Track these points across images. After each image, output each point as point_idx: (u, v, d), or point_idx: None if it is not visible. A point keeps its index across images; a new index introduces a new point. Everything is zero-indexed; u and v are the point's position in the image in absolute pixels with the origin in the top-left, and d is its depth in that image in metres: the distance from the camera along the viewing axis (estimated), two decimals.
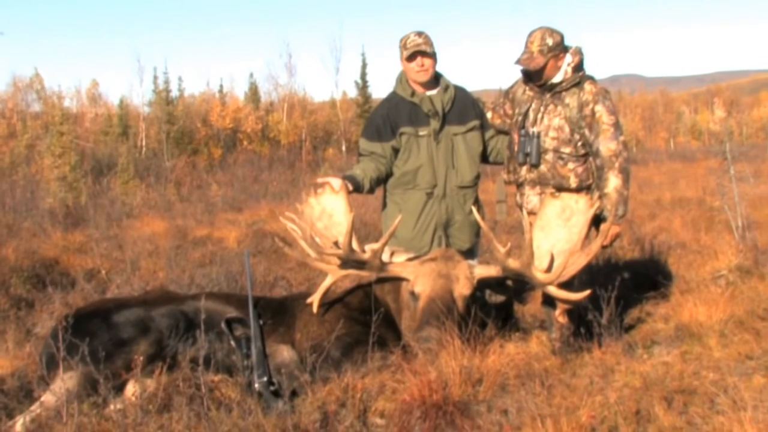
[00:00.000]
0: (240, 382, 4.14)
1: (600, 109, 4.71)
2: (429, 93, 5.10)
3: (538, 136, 4.81)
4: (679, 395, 3.60)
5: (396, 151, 5.08)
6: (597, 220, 4.63)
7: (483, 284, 4.63)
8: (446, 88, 5.13)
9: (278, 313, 4.61)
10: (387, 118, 5.09)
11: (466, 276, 4.47)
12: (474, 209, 4.93)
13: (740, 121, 60.10)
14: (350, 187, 4.84)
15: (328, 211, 4.72)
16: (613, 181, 4.67)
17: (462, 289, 4.43)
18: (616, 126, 4.73)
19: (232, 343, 4.28)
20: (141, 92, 32.30)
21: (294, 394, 4.06)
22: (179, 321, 4.36)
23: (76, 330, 3.96)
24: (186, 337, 4.31)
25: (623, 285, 4.84)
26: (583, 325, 4.69)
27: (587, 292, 4.33)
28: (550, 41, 4.71)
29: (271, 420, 3.57)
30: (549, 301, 4.79)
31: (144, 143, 28.57)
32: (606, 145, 4.68)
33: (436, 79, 5.13)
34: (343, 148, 31.70)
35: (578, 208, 4.44)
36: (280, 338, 4.44)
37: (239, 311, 4.41)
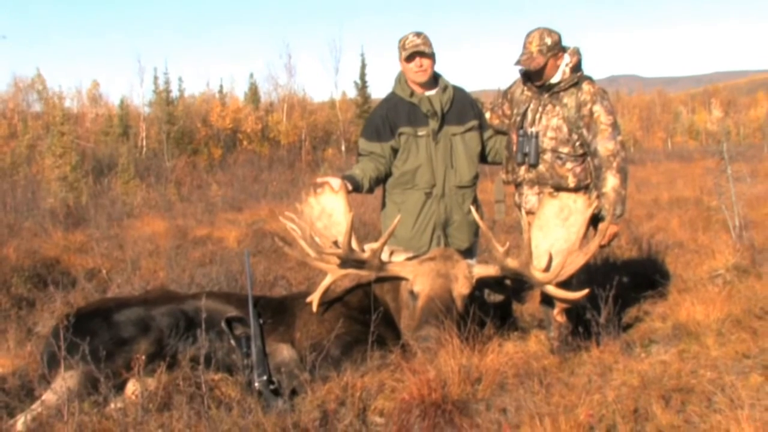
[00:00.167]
0: (240, 380, 4.14)
1: (598, 109, 4.71)
2: (428, 93, 5.10)
3: (537, 136, 4.81)
4: (677, 394, 3.61)
5: (395, 151, 5.08)
6: (595, 220, 4.63)
7: (482, 283, 4.64)
8: (445, 88, 5.13)
9: (278, 312, 4.61)
10: (386, 119, 5.09)
11: (464, 275, 4.47)
12: (473, 209, 4.93)
13: (737, 121, 60.17)
14: (349, 187, 4.84)
15: (327, 211, 4.72)
16: (611, 181, 4.67)
17: (461, 289, 4.43)
18: (614, 126, 4.73)
19: (232, 342, 4.28)
20: (141, 92, 32.36)
21: (294, 392, 4.06)
22: (179, 320, 4.36)
23: (77, 329, 3.96)
24: (186, 336, 4.32)
25: (621, 284, 4.83)
26: (581, 324, 4.69)
27: (585, 291, 4.33)
28: (548, 41, 4.72)
29: (271, 418, 3.57)
30: (547, 300, 4.79)
31: (144, 143, 28.57)
32: (604, 145, 4.68)
33: (434, 80, 5.13)
34: (343, 148, 31.69)
35: (576, 207, 4.44)
36: (280, 337, 4.44)
37: (239, 310, 4.41)
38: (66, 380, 3.88)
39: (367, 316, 4.35)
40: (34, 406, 3.85)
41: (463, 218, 5.12)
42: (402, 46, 5.04)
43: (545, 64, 4.74)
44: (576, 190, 4.74)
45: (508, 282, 4.71)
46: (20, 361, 4.77)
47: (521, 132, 4.87)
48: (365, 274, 4.60)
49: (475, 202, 5.19)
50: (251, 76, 43.55)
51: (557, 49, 4.75)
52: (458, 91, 5.21)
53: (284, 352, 4.35)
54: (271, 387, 4.04)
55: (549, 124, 4.81)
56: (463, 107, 5.16)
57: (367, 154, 5.12)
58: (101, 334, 4.16)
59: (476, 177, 5.21)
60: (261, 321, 4.35)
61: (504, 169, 5.11)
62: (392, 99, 5.18)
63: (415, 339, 4.24)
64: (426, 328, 4.22)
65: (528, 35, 4.79)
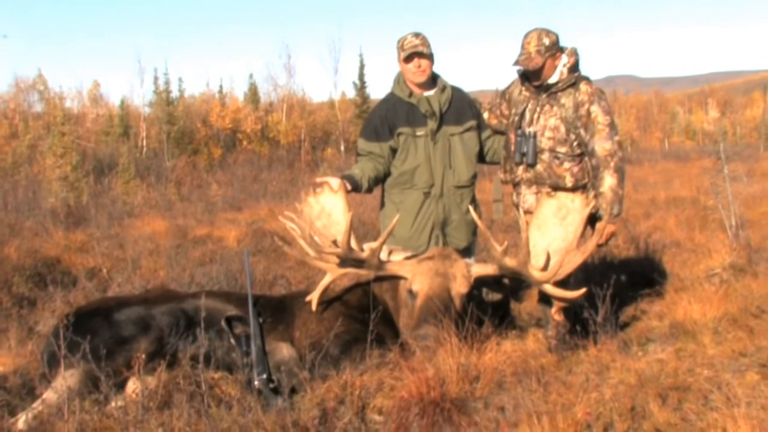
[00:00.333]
0: (240, 379, 4.14)
1: (595, 110, 4.71)
2: (426, 93, 5.10)
3: (535, 136, 4.81)
4: (674, 392, 3.60)
5: (394, 151, 5.08)
6: (592, 219, 4.64)
7: (480, 282, 4.63)
8: (443, 88, 5.13)
9: (278, 311, 4.61)
10: (385, 119, 5.09)
11: (463, 274, 4.47)
12: (471, 208, 4.94)
13: (734, 121, 60.15)
14: (349, 187, 4.85)
15: (326, 211, 4.72)
16: (608, 181, 4.67)
17: (459, 288, 4.44)
18: (612, 126, 4.73)
19: (232, 340, 4.29)
20: (142, 93, 32.34)
21: (293, 391, 4.06)
22: (180, 319, 4.36)
23: (78, 328, 3.96)
24: (186, 334, 4.32)
25: (618, 283, 4.84)
26: (578, 323, 4.69)
27: (583, 290, 4.33)
28: (546, 41, 4.72)
29: (271, 417, 3.57)
30: (545, 299, 4.79)
31: (145, 143, 28.55)
32: (601, 145, 4.69)
33: (433, 80, 5.13)
34: (342, 148, 31.68)
35: (574, 207, 4.44)
36: (280, 336, 4.44)
37: (239, 309, 4.41)
38: (67, 379, 3.88)
39: (366, 315, 4.35)
40: (35, 405, 3.85)
41: (462, 218, 5.12)
42: (401, 47, 5.04)
43: (543, 65, 4.75)
44: (574, 189, 4.74)
45: (506, 281, 4.71)
46: (21, 360, 4.78)
47: (519, 132, 4.87)
48: (364, 273, 4.60)
49: (473, 201, 5.19)
50: (251, 76, 43.54)
51: (555, 49, 4.76)
52: (456, 92, 5.21)
53: (284, 350, 4.35)
54: (271, 385, 4.04)
55: (547, 124, 4.81)
56: (461, 107, 5.16)
57: (366, 154, 5.12)
58: (102, 333, 4.16)
59: (474, 177, 5.21)
60: (260, 320, 4.35)
61: (502, 168, 5.11)
62: (391, 99, 5.18)
63: (413, 338, 4.24)
64: (425, 326, 4.22)
65: (526, 35, 4.79)
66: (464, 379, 3.78)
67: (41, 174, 18.11)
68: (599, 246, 4.75)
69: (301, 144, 30.76)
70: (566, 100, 4.79)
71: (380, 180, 5.16)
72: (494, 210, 5.42)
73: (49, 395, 3.87)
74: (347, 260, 4.52)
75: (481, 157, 5.33)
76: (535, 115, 4.85)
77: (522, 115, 4.90)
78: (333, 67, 35.67)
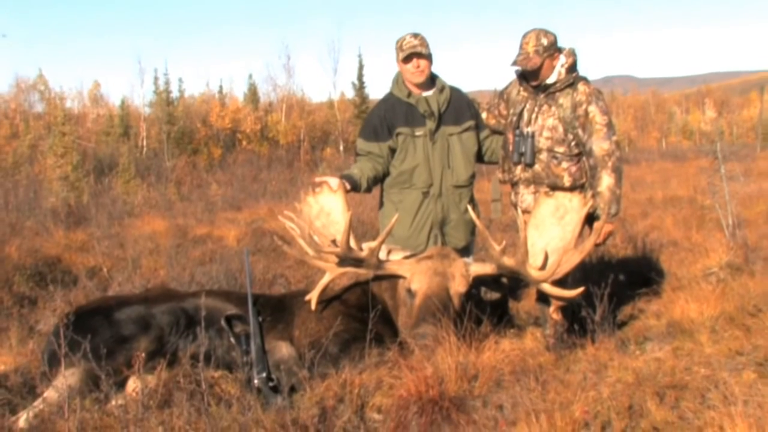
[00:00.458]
0: (239, 378, 4.14)
1: (593, 110, 4.71)
2: (425, 94, 5.10)
3: (533, 136, 4.81)
4: (671, 390, 3.61)
5: (393, 151, 5.08)
6: (590, 219, 4.64)
7: (478, 282, 4.63)
8: (442, 89, 5.13)
9: (277, 310, 4.61)
10: (384, 119, 5.09)
11: (461, 274, 4.47)
12: (469, 208, 4.93)
13: (731, 121, 60.16)
14: (348, 186, 4.84)
15: (326, 210, 4.72)
16: (606, 180, 4.67)
17: (458, 287, 4.43)
18: (609, 126, 4.73)
19: (232, 339, 4.28)
20: (142, 93, 32.33)
21: (293, 389, 4.06)
22: (180, 318, 4.36)
23: (78, 327, 3.96)
24: (186, 333, 4.32)
25: (616, 282, 4.84)
26: (576, 322, 4.69)
27: (581, 289, 4.34)
28: (545, 41, 4.72)
29: (270, 415, 3.57)
30: (543, 298, 4.80)
31: (145, 143, 28.56)
32: (599, 145, 4.69)
33: (431, 80, 5.13)
34: (341, 147, 31.69)
35: (572, 206, 4.44)
36: (279, 335, 4.44)
37: (239, 308, 4.41)
38: (67, 377, 3.88)
39: (365, 314, 4.34)
40: (36, 403, 3.85)
41: (460, 217, 5.12)
42: (399, 47, 5.04)
43: (541, 65, 4.75)
44: (571, 189, 4.74)
45: (504, 280, 4.72)
46: (22, 359, 4.78)
47: (517, 132, 4.87)
48: (363, 273, 4.59)
49: (471, 201, 5.19)
50: (250, 76, 43.57)
51: (553, 49, 4.76)
52: (455, 92, 5.21)
53: (283, 349, 4.35)
54: (271, 384, 4.04)
55: (545, 124, 4.81)
56: (459, 108, 5.16)
57: (365, 154, 5.12)
58: (102, 332, 4.16)
59: (473, 176, 5.21)
60: (260, 319, 4.35)
61: (500, 168, 5.11)
62: (390, 99, 5.18)
63: (412, 336, 4.24)
64: (423, 325, 4.22)
65: (524, 36, 4.79)
66: (463, 378, 3.78)
67: (42, 174, 18.11)
68: (597, 245, 4.75)
69: (300, 144, 30.77)
70: (564, 100, 4.79)
71: (379, 180, 5.16)
72: (492, 209, 5.42)
73: (50, 394, 3.87)
74: (346, 259, 4.52)
75: (479, 157, 5.33)
76: (533, 115, 4.85)
77: (520, 115, 4.90)
78: (332, 67, 35.69)
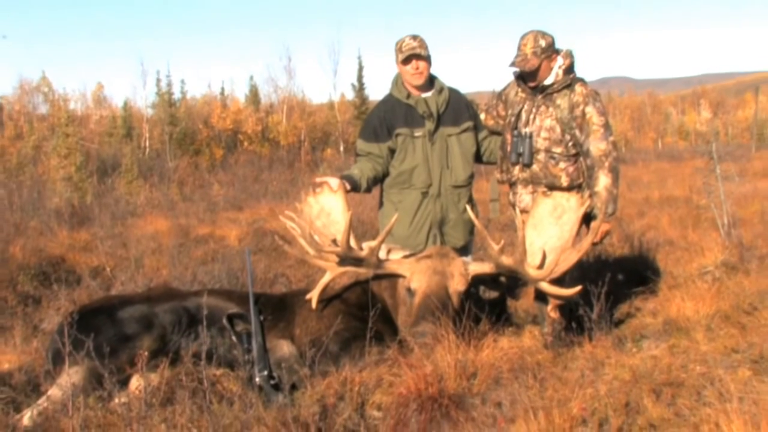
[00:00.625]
0: (241, 376, 4.13)
1: (590, 111, 4.71)
2: (424, 95, 5.10)
3: (531, 137, 4.81)
4: (667, 388, 3.61)
5: (392, 151, 5.09)
6: (587, 218, 4.63)
7: (477, 280, 4.64)
8: (441, 90, 5.13)
9: (278, 309, 4.61)
10: (383, 120, 5.09)
11: (460, 273, 4.47)
12: (468, 208, 4.93)
13: (726, 121, 60.14)
14: (348, 187, 4.84)
15: (326, 210, 4.72)
16: (603, 180, 4.67)
17: (457, 286, 4.44)
18: (606, 126, 4.73)
19: (234, 338, 4.28)
20: (144, 95, 32.34)
21: (294, 387, 4.05)
22: (182, 317, 4.36)
23: (82, 326, 3.96)
24: (188, 332, 4.32)
25: (613, 281, 4.83)
26: (574, 320, 4.69)
27: (578, 287, 4.33)
28: (542, 43, 4.72)
29: (272, 413, 3.57)
30: (541, 297, 4.80)
31: (147, 144, 28.54)
32: (596, 145, 4.68)
33: (430, 82, 5.13)
34: (341, 148, 31.65)
35: (569, 206, 4.44)
36: (280, 333, 4.45)
37: (240, 307, 4.40)
38: (71, 376, 3.88)
39: (365, 313, 4.34)
40: (40, 401, 3.86)
41: (459, 217, 5.12)
42: (399, 49, 5.04)
43: (539, 66, 4.74)
44: (569, 189, 4.74)
45: (502, 279, 4.72)
46: (26, 357, 4.78)
47: (515, 132, 4.87)
48: (363, 272, 4.59)
49: (470, 201, 5.19)
50: (251, 78, 43.59)
51: (551, 51, 4.76)
52: (453, 93, 5.21)
53: (284, 347, 4.35)
54: (272, 382, 4.04)
55: (542, 125, 4.81)
56: (458, 109, 5.16)
57: (365, 154, 5.12)
58: (105, 331, 4.16)
59: (471, 176, 5.21)
60: (261, 317, 4.34)
61: (498, 168, 5.11)
62: (389, 101, 5.18)
63: (412, 335, 4.24)
64: (423, 324, 4.22)
65: (522, 37, 4.79)
66: (462, 376, 3.78)
67: (46, 174, 18.10)
68: (594, 244, 4.75)
69: (301, 145, 30.73)
70: (562, 101, 4.79)
71: (379, 180, 5.16)
72: (491, 209, 5.42)
73: (54, 392, 3.87)
74: (346, 259, 4.52)
75: (478, 158, 5.33)
76: (531, 116, 4.85)
77: (518, 115, 4.90)
78: (332, 69, 35.65)
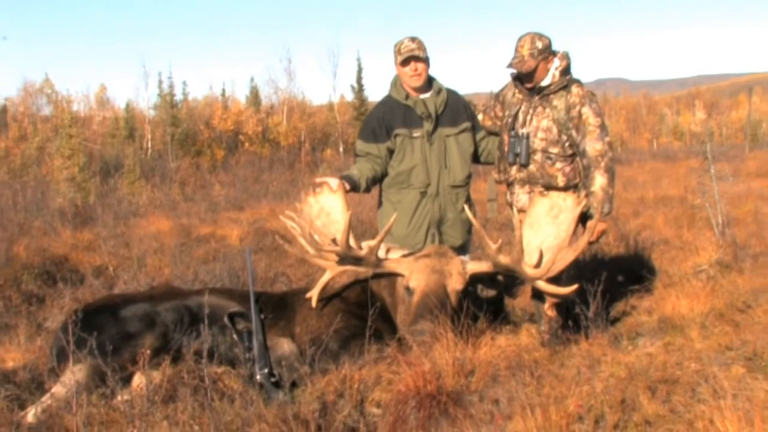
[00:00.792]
0: (242, 373, 4.14)
1: (586, 111, 4.71)
2: (422, 96, 5.10)
3: (528, 137, 4.81)
4: (663, 385, 3.61)
5: (391, 151, 5.08)
6: (584, 218, 4.64)
7: (475, 279, 4.63)
8: (439, 91, 5.13)
9: (278, 307, 4.60)
10: (382, 121, 5.09)
11: (458, 271, 4.47)
12: (466, 207, 4.93)
13: (720, 122, 60.16)
14: (347, 187, 4.84)
15: (326, 210, 4.72)
16: (599, 180, 4.67)
17: (455, 284, 4.44)
18: (602, 127, 4.73)
19: (235, 336, 4.28)
20: (146, 96, 32.31)
21: (294, 385, 4.05)
22: (184, 315, 4.36)
23: (85, 324, 3.95)
24: (190, 330, 4.31)
25: (609, 279, 4.84)
26: (570, 318, 4.70)
27: (575, 286, 4.34)
28: (539, 44, 4.72)
29: (272, 410, 3.57)
30: (538, 295, 4.80)
31: (149, 145, 28.51)
32: (592, 146, 4.68)
33: (429, 83, 5.13)
34: (341, 149, 31.65)
35: (566, 205, 4.44)
36: (281, 331, 4.44)
37: (241, 306, 4.40)
38: (74, 373, 3.87)
39: (364, 311, 4.34)
40: (44, 399, 3.86)
41: (457, 216, 5.12)
42: (397, 51, 5.04)
43: (536, 67, 4.74)
44: (565, 189, 4.74)
45: (500, 278, 4.71)
46: (30, 355, 4.78)
47: (513, 133, 4.87)
48: (363, 271, 4.59)
49: (468, 200, 5.19)
50: (252, 79, 43.55)
51: (547, 52, 4.75)
52: (452, 94, 5.21)
53: (285, 345, 4.34)
54: (272, 379, 4.04)
55: (539, 126, 4.81)
56: (456, 109, 5.16)
57: (364, 154, 5.12)
58: (108, 329, 4.16)
59: (469, 176, 5.21)
60: (262, 316, 4.35)
61: (496, 168, 5.11)
62: (388, 102, 5.18)
63: (410, 333, 4.24)
64: (421, 322, 4.22)
65: (519, 39, 4.79)
66: (460, 373, 3.78)
67: (49, 175, 18.09)
68: (590, 243, 4.75)
69: (301, 145, 30.71)
70: (558, 102, 4.78)
71: (378, 180, 5.16)
72: (489, 209, 5.42)
73: (58, 389, 3.87)
74: (346, 258, 4.52)
75: (475, 158, 5.33)
76: (528, 117, 4.85)
77: (515, 116, 4.90)
78: (332, 70, 35.61)
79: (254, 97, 36.08)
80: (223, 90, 39.44)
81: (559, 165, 4.80)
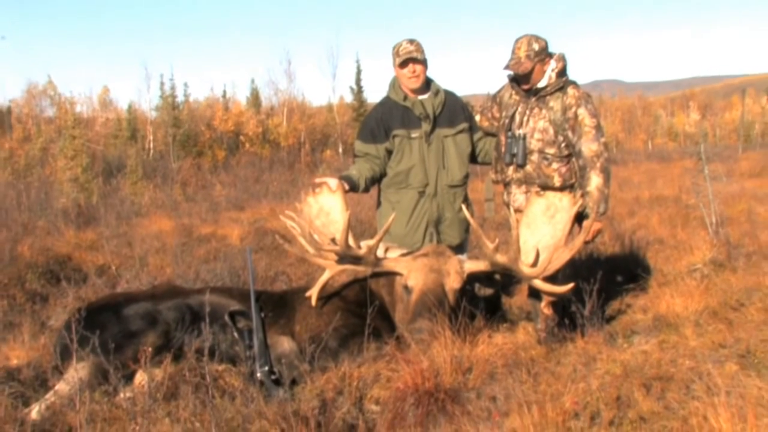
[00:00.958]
0: (243, 371, 4.14)
1: (582, 112, 4.71)
2: (420, 97, 5.10)
3: (524, 138, 4.81)
4: (657, 382, 3.61)
5: (389, 152, 5.08)
6: (580, 217, 4.64)
7: (472, 278, 4.63)
8: (437, 92, 5.13)
9: (279, 306, 4.60)
10: (381, 121, 5.08)
11: (456, 270, 4.47)
12: (463, 207, 4.93)
13: (714, 123, 60.19)
14: (346, 187, 4.84)
15: (325, 210, 4.71)
16: (594, 180, 4.67)
17: (453, 283, 4.43)
18: (598, 128, 4.73)
19: (235, 334, 4.28)
20: (149, 98, 32.20)
21: (294, 382, 4.06)
22: (185, 314, 4.36)
23: (88, 322, 3.95)
24: (192, 329, 4.31)
25: (604, 278, 4.84)
26: (566, 317, 4.69)
27: (571, 285, 4.33)
28: (536, 46, 4.72)
29: (273, 407, 3.57)
30: (535, 294, 4.79)
31: (151, 146, 28.52)
32: (588, 146, 4.68)
33: (427, 84, 5.13)
34: (340, 149, 31.66)
35: (562, 205, 4.44)
36: (281, 330, 4.44)
37: (242, 304, 4.41)
38: (78, 371, 3.88)
39: (363, 310, 4.34)
40: (47, 396, 3.86)
41: (455, 216, 5.12)
42: (396, 53, 5.04)
43: (532, 69, 4.74)
44: (562, 189, 4.74)
45: (497, 276, 4.71)
46: (34, 353, 4.78)
47: (509, 134, 4.87)
48: (361, 270, 4.59)
49: (465, 200, 5.19)
50: (252, 81, 43.49)
51: (544, 54, 4.75)
52: (449, 95, 5.20)
53: (285, 344, 4.34)
54: (273, 377, 4.05)
55: (536, 127, 4.81)
56: (454, 110, 5.16)
57: (362, 155, 5.12)
58: (111, 328, 4.15)
59: (467, 177, 5.21)
60: (262, 314, 4.35)
61: (493, 169, 5.11)
62: (387, 103, 5.18)
63: (409, 331, 4.24)
64: (419, 320, 4.22)
65: (516, 41, 4.79)
66: (457, 371, 3.79)
67: (53, 175, 18.07)
68: (586, 243, 4.75)
69: (300, 146, 30.73)
70: (554, 103, 4.78)
71: (376, 180, 5.16)
72: (486, 209, 5.42)
73: (61, 386, 3.88)
74: (345, 257, 4.52)
75: (473, 158, 5.33)
76: (525, 118, 4.85)
77: (512, 117, 4.90)
78: (331, 72, 35.70)
79: (255, 98, 36.10)
80: (224, 91, 39.46)
81: (555, 165, 4.80)
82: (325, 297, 4.58)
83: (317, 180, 4.92)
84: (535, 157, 4.82)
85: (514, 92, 4.97)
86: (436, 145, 5.05)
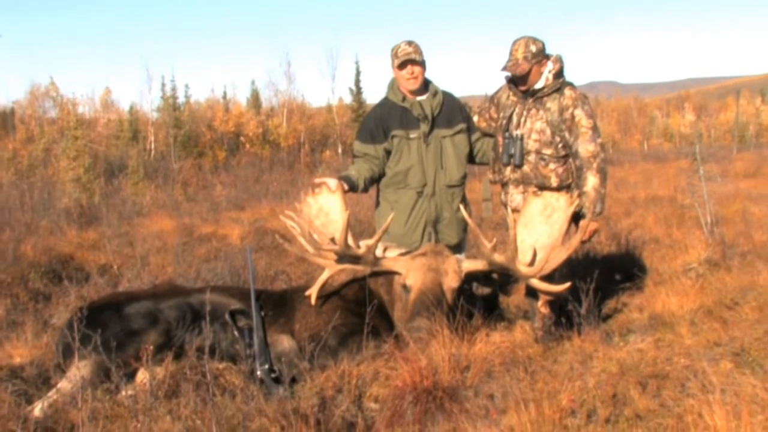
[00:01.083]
0: (243, 369, 4.14)
1: (579, 113, 4.71)
2: (419, 98, 5.10)
3: (522, 139, 4.81)
4: (653, 380, 3.61)
5: (388, 152, 5.08)
6: (576, 217, 4.64)
7: (470, 277, 4.63)
8: (435, 93, 5.13)
9: (279, 305, 4.60)
10: (380, 122, 5.08)
11: (454, 270, 4.47)
12: (461, 207, 4.93)
13: (709, 124, 60.15)
14: (346, 187, 4.84)
15: (325, 210, 4.71)
16: (591, 181, 4.67)
17: (451, 282, 4.43)
18: (594, 129, 4.73)
19: (236, 333, 4.28)
20: (150, 99, 32.14)
21: (294, 380, 4.06)
22: (186, 313, 4.36)
23: (90, 321, 3.95)
24: (192, 327, 4.31)
25: (601, 277, 4.84)
26: (563, 315, 4.69)
27: (567, 284, 4.34)
28: (533, 48, 4.72)
29: (273, 405, 3.57)
30: (532, 293, 4.79)
31: (153, 146, 28.48)
32: (585, 147, 4.68)
33: (425, 85, 5.13)
34: (339, 150, 31.63)
35: (559, 205, 4.44)
36: (281, 328, 4.44)
37: (242, 303, 4.40)
38: (80, 369, 3.88)
39: (362, 309, 4.34)
40: (50, 394, 3.85)
41: (453, 216, 5.12)
42: (394, 55, 5.04)
43: (530, 70, 4.74)
44: (558, 189, 4.74)
45: (495, 276, 4.71)
46: (37, 352, 4.78)
47: (507, 134, 4.87)
48: (360, 269, 4.59)
49: (463, 200, 5.19)
50: (253, 82, 43.41)
51: (541, 56, 4.75)
52: (447, 96, 5.20)
53: (284, 342, 4.34)
54: (273, 375, 4.04)
55: (533, 127, 4.81)
56: (452, 111, 5.16)
57: (361, 155, 5.12)
58: (113, 326, 4.15)
59: (465, 177, 5.21)
60: (262, 313, 4.35)
61: (491, 169, 5.11)
62: (385, 104, 5.18)
63: (407, 330, 4.24)
64: (418, 319, 4.22)
65: (514, 43, 4.79)
66: (455, 369, 3.78)
67: (55, 176, 18.04)
68: (583, 242, 4.75)
69: (300, 147, 30.70)
70: (552, 104, 4.78)
71: (375, 180, 5.16)
72: (484, 208, 5.42)
73: (64, 384, 3.87)
74: (344, 257, 4.51)
75: (470, 159, 5.33)
76: (522, 119, 4.85)
77: (510, 118, 4.90)
78: (330, 73, 35.67)
79: (255, 99, 36.05)
80: (225, 93, 39.42)
81: (552, 166, 4.80)
82: (325, 296, 4.58)
83: (317, 180, 4.92)
84: (532, 157, 4.82)
85: (511, 93, 4.97)
86: (434, 145, 5.05)
